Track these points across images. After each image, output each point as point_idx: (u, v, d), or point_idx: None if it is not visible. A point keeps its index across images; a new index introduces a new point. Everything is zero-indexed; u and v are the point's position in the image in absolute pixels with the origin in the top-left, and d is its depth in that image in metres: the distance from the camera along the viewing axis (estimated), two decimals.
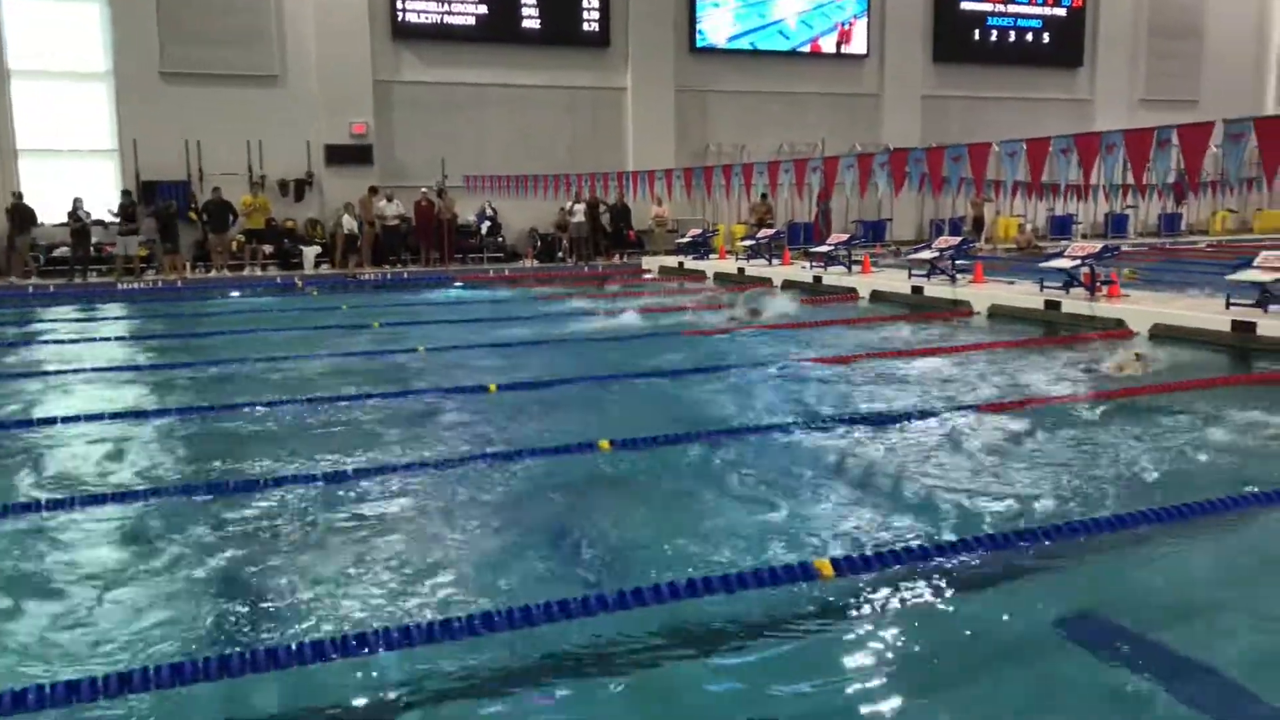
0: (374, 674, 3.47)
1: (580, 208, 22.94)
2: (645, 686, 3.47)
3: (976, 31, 28.29)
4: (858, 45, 27.03)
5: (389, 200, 21.72)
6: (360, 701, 3.34)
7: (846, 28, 26.85)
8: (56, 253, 19.99)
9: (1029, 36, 28.78)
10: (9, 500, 5.43)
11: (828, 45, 26.79)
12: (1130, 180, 22.13)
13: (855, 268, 15.87)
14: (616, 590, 3.88)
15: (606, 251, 23.54)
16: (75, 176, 20.03)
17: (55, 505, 5.23)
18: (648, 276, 20.11)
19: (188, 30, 21.17)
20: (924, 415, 7.02)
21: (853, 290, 14.72)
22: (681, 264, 20.12)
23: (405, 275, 20.54)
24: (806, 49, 26.65)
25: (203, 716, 3.24)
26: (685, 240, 21.06)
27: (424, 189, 22.01)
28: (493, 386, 8.38)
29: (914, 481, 5.56)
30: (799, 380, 8.59)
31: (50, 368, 9.81)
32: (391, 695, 3.38)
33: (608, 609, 3.78)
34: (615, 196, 23.31)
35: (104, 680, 3.19)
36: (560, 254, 23.51)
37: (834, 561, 4.15)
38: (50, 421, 7.26)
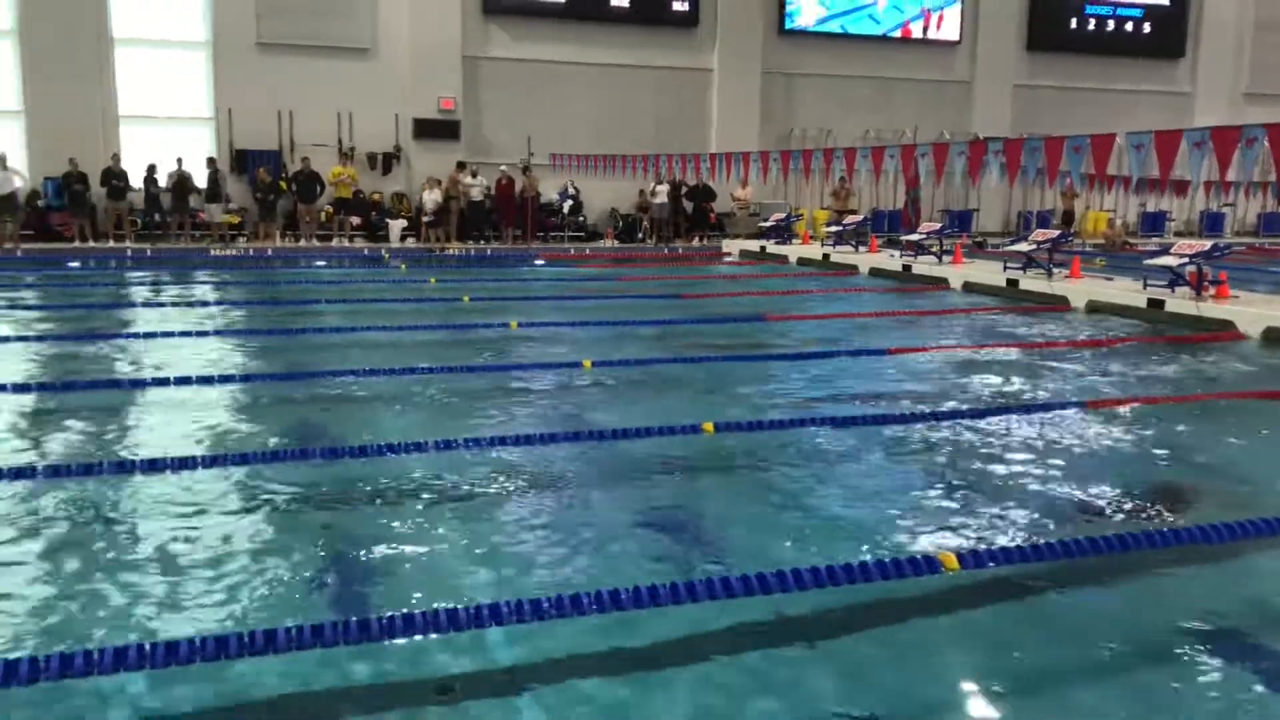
0: (459, 651, 3.42)
1: (663, 188, 22.87)
2: (750, 676, 3.40)
3: (1074, 20, 27.52)
4: (949, 31, 26.48)
5: (473, 176, 21.86)
6: (443, 677, 3.31)
7: (938, 13, 26.31)
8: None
9: (1128, 25, 27.91)
10: (108, 458, 5.57)
11: (918, 31, 26.29)
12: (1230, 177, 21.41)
13: (946, 258, 15.61)
14: (723, 577, 3.80)
15: (687, 233, 23.45)
16: (173, 143, 20.46)
17: (150, 466, 5.28)
18: (728, 259, 20.02)
19: (283, 1, 21.48)
20: (1036, 409, 6.88)
21: (944, 280, 14.47)
22: (763, 248, 19.99)
23: (489, 252, 20.69)
24: (897, 34, 26.19)
25: (288, 684, 3.23)
26: (768, 224, 20.91)
27: (502, 166, 22.08)
28: (587, 363, 8.38)
29: (1028, 477, 5.45)
30: (900, 370, 8.46)
31: (148, 329, 10.02)
32: (480, 671, 3.35)
33: (715, 596, 3.65)
34: (698, 178, 23.18)
35: (201, 642, 3.18)
36: (640, 234, 23.48)
37: (959, 555, 4.08)
38: (142, 384, 7.40)
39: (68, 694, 3.06)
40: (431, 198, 21.17)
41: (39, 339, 9.53)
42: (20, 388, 7.11)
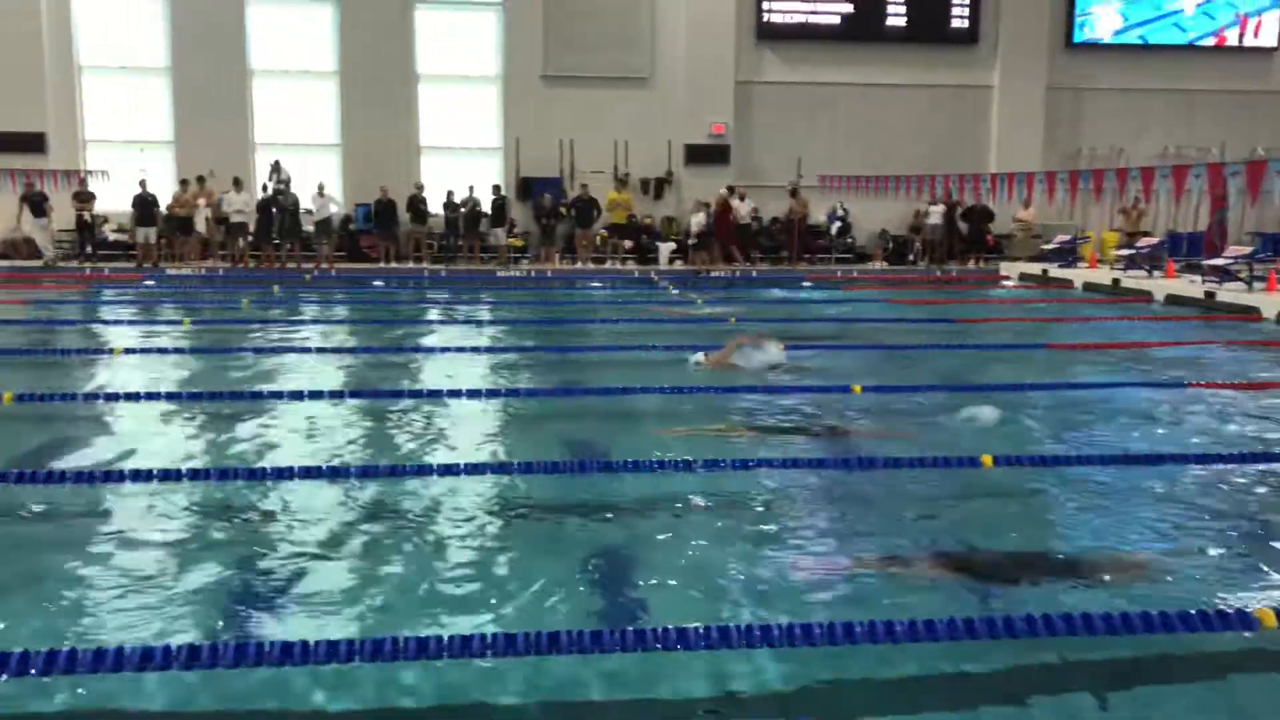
0: (728, 670, 3.41)
1: (937, 209, 22.16)
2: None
3: None
4: (1266, 37, 24.12)
5: (741, 199, 22.00)
6: (711, 696, 3.32)
7: (1256, 18, 24.01)
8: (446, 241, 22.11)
9: None
10: (409, 461, 6.03)
11: (1233, 38, 24.10)
12: None
13: (1258, 285, 14.17)
14: (1005, 616, 3.57)
15: (962, 255, 22.58)
16: (467, 172, 22.02)
17: (446, 470, 5.60)
18: (1006, 283, 19.11)
19: (568, 35, 22.62)
20: None
21: (1254, 310, 13.15)
22: (1045, 272, 18.94)
23: (754, 274, 20.78)
24: (1206, 42, 24.12)
25: (560, 689, 3.33)
26: (1051, 247, 19.81)
27: (720, 190, 21.70)
28: (857, 388, 8.20)
29: None
30: (1202, 406, 7.74)
31: (445, 343, 10.77)
32: (749, 693, 3.33)
33: (995, 635, 3.46)
34: (976, 198, 22.26)
35: (492, 639, 3.37)
36: (911, 256, 22.85)
37: (1279, 612, 3.66)
38: (439, 394, 7.84)
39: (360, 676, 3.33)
40: (697, 220, 21.49)
41: (349, 350, 10.47)
42: (337, 394, 7.83)
